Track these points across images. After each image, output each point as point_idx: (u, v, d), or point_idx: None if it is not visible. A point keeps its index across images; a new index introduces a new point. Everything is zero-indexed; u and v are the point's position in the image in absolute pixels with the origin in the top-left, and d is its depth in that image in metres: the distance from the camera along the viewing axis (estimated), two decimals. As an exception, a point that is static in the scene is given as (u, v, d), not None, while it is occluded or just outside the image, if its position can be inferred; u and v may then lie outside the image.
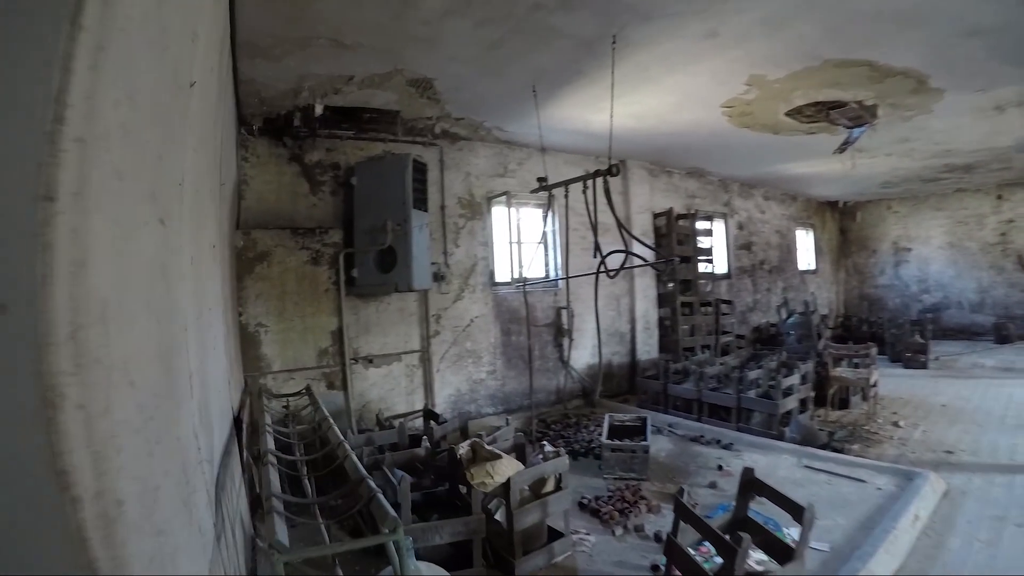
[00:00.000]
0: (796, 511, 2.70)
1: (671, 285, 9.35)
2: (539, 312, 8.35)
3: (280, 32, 4.20)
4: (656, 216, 9.48)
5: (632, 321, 9.17)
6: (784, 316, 9.09)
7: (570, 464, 5.87)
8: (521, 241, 8.16)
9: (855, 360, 7.80)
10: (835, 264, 15.57)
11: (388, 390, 7.04)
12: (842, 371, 7.64)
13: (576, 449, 6.23)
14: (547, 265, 8.66)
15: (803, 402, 7.15)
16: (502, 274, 8.22)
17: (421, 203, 6.33)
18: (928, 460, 5.66)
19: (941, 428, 6.78)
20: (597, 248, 5.50)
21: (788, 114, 6.94)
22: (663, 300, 9.44)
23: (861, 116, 7.05)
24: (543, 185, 5.97)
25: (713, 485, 5.03)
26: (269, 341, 5.94)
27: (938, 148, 9.09)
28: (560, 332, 8.45)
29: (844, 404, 7.80)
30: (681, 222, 9.55)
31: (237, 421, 3.72)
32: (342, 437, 2.99)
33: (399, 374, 7.16)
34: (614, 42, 4.46)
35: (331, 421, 3.47)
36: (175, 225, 1.87)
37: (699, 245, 9.63)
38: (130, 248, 1.38)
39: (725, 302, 10.14)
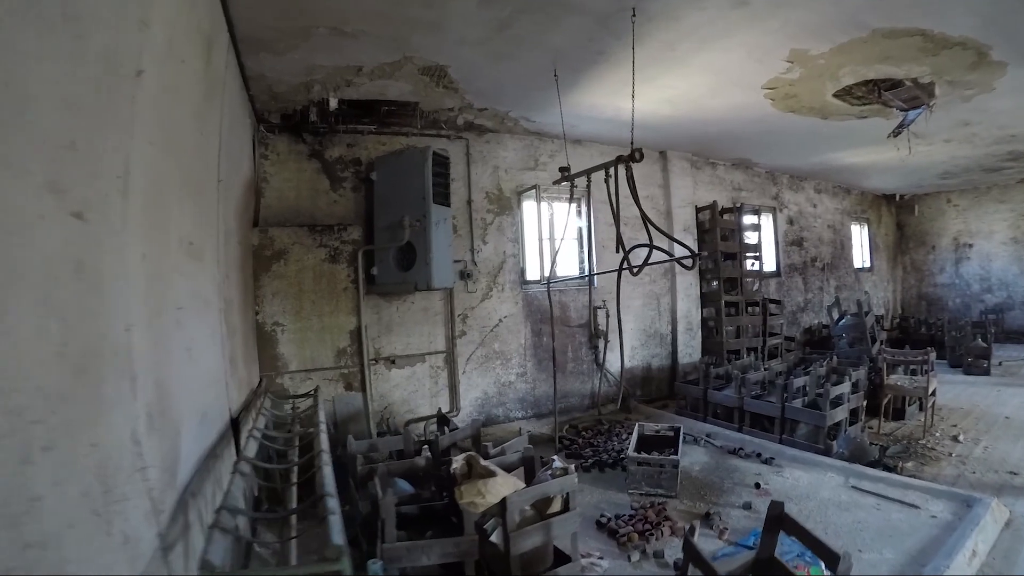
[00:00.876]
0: (831, 558, 2.38)
1: (715, 284, 8.94)
2: (572, 312, 8.09)
3: (278, 24, 4.08)
4: (699, 210, 9.07)
5: (673, 322, 8.80)
6: (835, 317, 8.55)
7: (596, 476, 5.78)
8: (553, 237, 7.93)
9: (912, 367, 7.27)
10: (892, 261, 14.72)
11: (411, 392, 6.93)
12: (897, 379, 7.13)
13: (604, 460, 5.92)
14: (581, 262, 8.38)
15: (854, 412, 6.69)
16: (533, 272, 7.98)
17: (443, 198, 6.17)
18: (990, 482, 5.16)
19: (1005, 444, 6.21)
20: (620, 243, 5.21)
21: (837, 95, 6.47)
22: (707, 299, 9.04)
23: (917, 97, 6.54)
24: (565, 176, 5.72)
25: (748, 506, 4.65)
26: (286, 340, 5.89)
27: (1001, 133, 8.39)
28: (595, 333, 8.17)
29: (899, 415, 7.28)
30: (726, 216, 9.13)
31: (235, 423, 3.59)
32: (324, 445, 2.82)
33: (423, 375, 7.05)
34: (633, 15, 4.13)
35: (322, 427, 3.31)
36: (108, 220, 1.75)
37: (745, 241, 9.19)
38: (6, 243, 1.26)
39: (774, 302, 9.66)
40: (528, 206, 7.96)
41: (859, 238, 13.56)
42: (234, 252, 4.40)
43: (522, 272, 7.83)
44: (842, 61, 5.42)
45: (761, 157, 9.63)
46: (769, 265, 10.71)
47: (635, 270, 5.21)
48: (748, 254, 9.29)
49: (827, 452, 5.87)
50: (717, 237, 8.72)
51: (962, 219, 13.88)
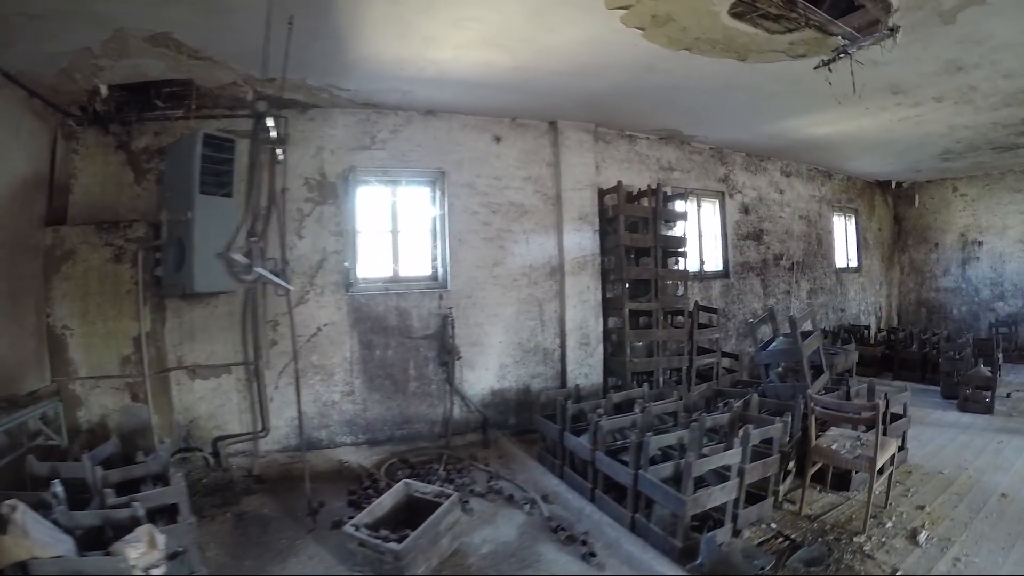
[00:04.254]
0: None
1: (627, 286, 6.23)
2: (415, 320, 5.63)
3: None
4: (605, 193, 6.32)
5: (562, 334, 6.12)
6: (762, 339, 5.53)
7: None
8: (396, 229, 5.71)
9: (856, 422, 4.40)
10: (886, 261, 11.05)
11: (218, 406, 5.23)
12: (837, 436, 4.31)
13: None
14: (434, 259, 5.86)
15: (762, 485, 4.00)
16: (366, 271, 5.69)
17: (219, 187, 4.62)
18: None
19: (989, 552, 3.41)
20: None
21: (737, 15, 3.71)
22: (612, 307, 6.29)
23: (874, 21, 3.74)
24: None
25: None
26: (75, 345, 4.73)
27: (1009, 86, 5.25)
28: (444, 347, 5.66)
29: (842, 482, 4.44)
30: (643, 201, 6.34)
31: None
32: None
33: (230, 388, 5.27)
34: None
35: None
36: None
37: (664, 232, 6.35)
38: None
39: (708, 309, 6.76)
40: (366, 193, 5.71)
41: (844, 232, 10.10)
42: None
43: (348, 272, 5.51)
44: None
45: (696, 128, 6.69)
46: (712, 263, 7.75)
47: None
48: (671, 249, 6.45)
49: (688, 554, 3.35)
50: (620, 227, 5.93)
51: (971, 211, 10.13)
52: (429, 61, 4.45)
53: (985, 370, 6.47)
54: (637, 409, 4.71)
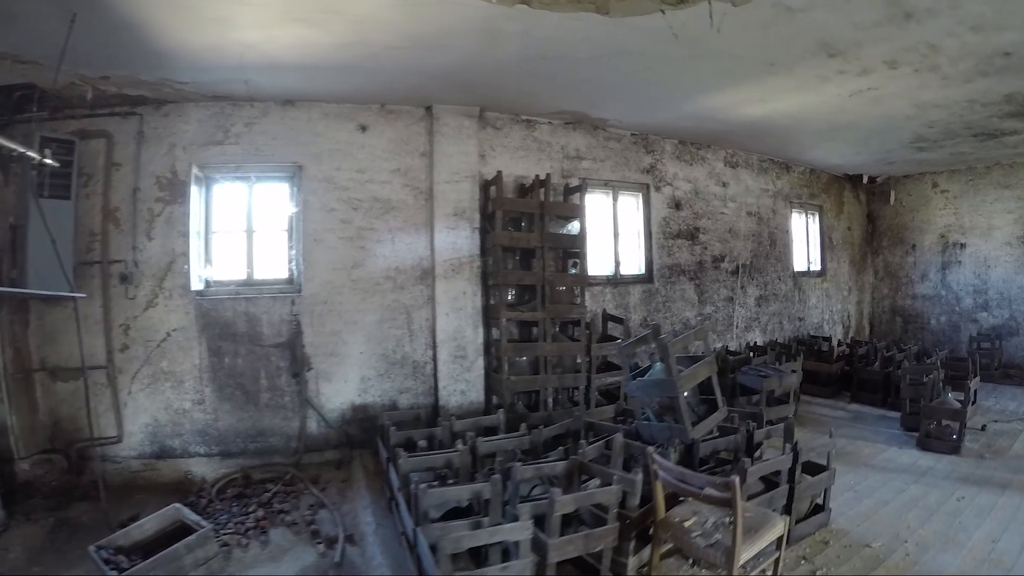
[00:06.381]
0: None
1: (512, 292, 4.84)
2: (265, 327, 4.53)
3: None
4: (489, 185, 4.93)
5: (434, 345, 4.84)
6: (631, 366, 3.76)
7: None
8: (251, 229, 4.63)
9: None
10: (857, 264, 8.84)
11: (78, 409, 4.43)
12: (694, 509, 2.84)
13: None
14: (291, 261, 4.67)
15: (603, 553, 2.77)
16: (219, 274, 4.68)
17: (56, 189, 4.05)
18: None
19: None
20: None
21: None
22: (493, 315, 4.88)
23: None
24: None
25: None
26: None
27: (982, 44, 3.55)
28: (296, 357, 4.47)
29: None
30: (533, 195, 4.89)
31: None
32: None
33: (88, 392, 4.37)
34: None
35: None
36: None
37: (556, 231, 4.88)
38: None
39: (613, 319, 5.26)
40: (221, 190, 4.71)
41: (805, 232, 8.04)
42: None
43: (188, 275, 4.53)
44: None
45: (603, 110, 5.11)
46: (632, 266, 6.12)
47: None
48: (570, 250, 4.98)
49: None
50: (498, 224, 4.53)
51: (952, 209, 7.90)
52: (245, 45, 3.44)
53: (954, 399, 4.72)
54: (460, 444, 3.38)
